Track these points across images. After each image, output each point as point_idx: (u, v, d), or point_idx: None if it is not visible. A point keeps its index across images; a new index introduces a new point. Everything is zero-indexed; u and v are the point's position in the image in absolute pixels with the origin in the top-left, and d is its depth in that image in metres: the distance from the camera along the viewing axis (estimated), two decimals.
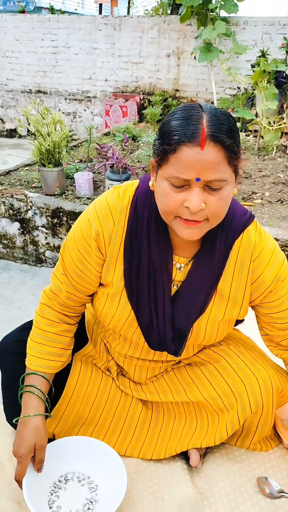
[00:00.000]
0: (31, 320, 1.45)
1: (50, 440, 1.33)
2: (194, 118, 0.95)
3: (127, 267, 1.17)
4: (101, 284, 1.25)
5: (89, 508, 1.16)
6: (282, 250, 2.74)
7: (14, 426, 1.37)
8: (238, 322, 1.87)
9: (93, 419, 1.35)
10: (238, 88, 6.40)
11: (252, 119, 5.02)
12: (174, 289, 1.19)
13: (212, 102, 6.26)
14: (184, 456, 1.33)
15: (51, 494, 1.19)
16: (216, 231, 1.14)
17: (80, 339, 1.41)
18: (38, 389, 1.23)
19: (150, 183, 1.10)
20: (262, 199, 3.47)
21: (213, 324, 1.20)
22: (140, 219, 1.15)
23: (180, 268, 1.19)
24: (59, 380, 1.33)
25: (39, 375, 1.25)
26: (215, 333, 1.22)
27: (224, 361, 1.34)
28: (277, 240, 2.76)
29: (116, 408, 1.36)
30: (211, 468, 1.28)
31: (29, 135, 3.51)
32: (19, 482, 1.13)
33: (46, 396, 1.25)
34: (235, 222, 1.16)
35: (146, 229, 1.15)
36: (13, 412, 1.32)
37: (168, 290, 1.17)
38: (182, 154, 0.95)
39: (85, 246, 1.19)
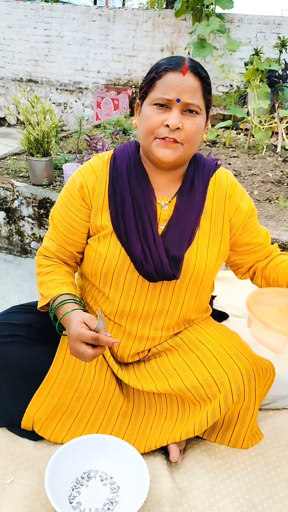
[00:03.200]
0: (18, 305, 1.49)
1: (33, 434, 1.32)
2: (178, 57, 1.21)
3: (113, 208, 1.30)
4: (89, 237, 1.37)
5: (108, 509, 1.14)
6: None
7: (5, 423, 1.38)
8: (223, 318, 1.88)
9: (74, 408, 1.33)
10: (231, 85, 6.40)
11: (244, 118, 5.02)
12: (160, 229, 1.31)
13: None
14: (164, 451, 1.31)
15: (73, 490, 1.18)
16: (193, 172, 1.34)
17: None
18: (65, 300, 1.27)
19: (134, 121, 1.31)
20: (250, 197, 3.47)
21: (201, 255, 1.32)
22: (119, 168, 1.33)
23: (164, 207, 1.32)
24: (43, 365, 1.32)
25: (64, 294, 1.29)
26: (204, 266, 1.32)
27: (206, 349, 1.33)
28: None
29: (98, 398, 1.35)
30: (191, 464, 1.27)
31: (18, 124, 3.45)
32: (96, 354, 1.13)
33: (80, 300, 1.32)
34: (206, 165, 1.38)
35: (126, 175, 1.32)
36: (3, 408, 1.33)
37: (155, 224, 1.29)
38: (167, 78, 1.18)
39: (70, 199, 1.35)
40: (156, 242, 1.28)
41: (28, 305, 1.49)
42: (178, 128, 1.18)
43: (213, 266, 1.34)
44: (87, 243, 1.38)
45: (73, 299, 1.28)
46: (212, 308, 1.83)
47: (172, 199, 1.32)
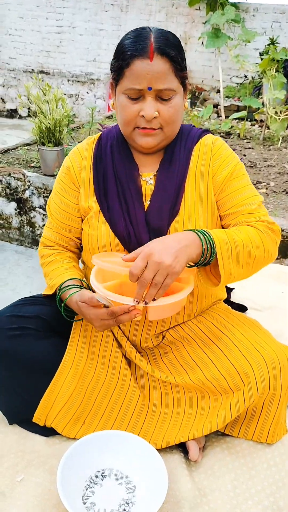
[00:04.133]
0: (26, 297, 1.44)
1: (44, 430, 1.26)
2: (143, 36, 1.13)
3: (96, 188, 1.30)
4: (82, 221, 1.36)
5: (124, 510, 1.08)
6: (287, 241, 2.66)
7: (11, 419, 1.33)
8: (241, 310, 1.81)
9: (88, 401, 1.28)
10: (245, 76, 6.28)
11: (258, 108, 4.91)
12: (147, 205, 1.27)
13: (218, 91, 6.14)
14: (183, 449, 1.25)
15: (86, 489, 1.12)
16: (175, 141, 1.30)
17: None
18: (68, 285, 1.28)
19: (111, 103, 1.27)
20: (267, 188, 3.38)
21: (189, 224, 1.26)
22: (104, 147, 1.33)
23: (149, 182, 1.29)
24: (54, 358, 1.28)
25: (68, 280, 1.29)
26: None
27: (228, 340, 1.27)
28: (282, 230, 2.68)
29: (113, 391, 1.29)
30: (211, 462, 1.20)
31: (30, 115, 3.39)
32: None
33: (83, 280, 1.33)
34: (192, 133, 1.34)
35: (110, 153, 1.31)
36: (8, 404, 1.28)
37: (137, 199, 1.27)
38: (135, 66, 1.13)
39: (61, 185, 1.36)
40: (138, 218, 1.26)
41: (37, 296, 1.43)
42: (154, 117, 1.16)
43: None
44: (81, 228, 1.38)
45: (75, 284, 1.26)
46: (230, 301, 1.76)
47: (156, 172, 1.30)
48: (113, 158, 1.30)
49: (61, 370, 1.28)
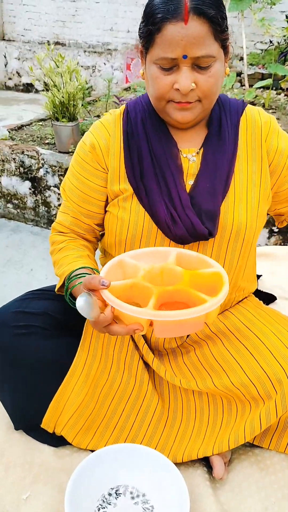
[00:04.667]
0: (33, 290, 1.31)
1: (53, 439, 1.15)
2: None
3: (129, 168, 1.14)
4: (107, 204, 1.22)
5: None
6: None
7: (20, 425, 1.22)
8: (270, 300, 1.66)
9: (101, 407, 1.16)
10: (271, 42, 5.95)
11: (285, 76, 4.63)
12: (189, 185, 1.14)
13: (242, 58, 5.84)
14: (206, 463, 1.12)
15: (99, 510, 1.01)
16: (219, 113, 1.16)
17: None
18: (85, 273, 1.09)
19: (140, 71, 1.11)
20: None
21: (240, 208, 1.13)
22: (134, 122, 1.16)
23: (192, 159, 1.15)
24: (63, 359, 1.17)
25: (84, 267, 1.11)
26: (244, 220, 1.13)
27: (257, 339, 1.14)
28: None
29: (129, 397, 1.17)
30: (238, 479, 1.08)
31: (45, 89, 3.22)
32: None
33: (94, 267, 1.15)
34: (233, 105, 1.19)
35: (142, 128, 1.15)
36: (14, 407, 1.17)
37: (180, 180, 1.12)
38: (167, 31, 0.95)
39: (82, 164, 1.19)
40: (182, 200, 1.10)
41: (46, 289, 1.30)
42: (191, 89, 1.00)
43: (255, 217, 1.15)
44: (105, 212, 1.22)
45: (87, 273, 1.08)
46: (257, 289, 1.61)
47: (200, 149, 1.15)
48: (147, 134, 1.14)
49: (72, 372, 1.16)
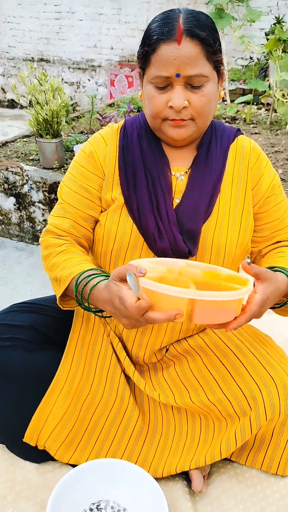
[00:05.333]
0: (20, 303, 1.32)
1: (36, 455, 1.16)
2: (170, 17, 1.02)
3: (123, 179, 1.18)
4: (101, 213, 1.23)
5: None
6: None
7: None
8: None
9: (83, 421, 1.18)
10: (251, 58, 6.08)
11: (265, 91, 4.73)
12: (176, 202, 1.18)
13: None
14: (186, 476, 1.14)
15: None
16: (210, 137, 1.21)
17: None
18: (90, 275, 1.07)
19: (139, 94, 1.16)
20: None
21: (220, 231, 1.17)
22: (130, 136, 1.21)
23: (180, 177, 1.19)
24: (47, 372, 1.19)
25: (93, 269, 1.09)
26: (223, 244, 1.16)
27: (235, 358, 1.16)
28: None
29: (110, 410, 1.19)
30: (218, 493, 1.10)
31: (29, 105, 3.26)
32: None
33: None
34: (226, 131, 1.24)
35: (138, 143, 1.20)
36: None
37: (168, 196, 1.16)
38: (161, 52, 1.01)
39: (80, 170, 1.22)
40: (169, 216, 1.14)
41: (31, 303, 1.32)
42: (184, 107, 1.05)
43: (236, 239, 1.18)
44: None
45: (100, 273, 1.07)
46: None
47: (188, 169, 1.20)
48: (142, 149, 1.19)
49: (54, 384, 1.18)
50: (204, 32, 1.01)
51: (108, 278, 1.02)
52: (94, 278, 1.05)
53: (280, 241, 1.27)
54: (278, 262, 1.15)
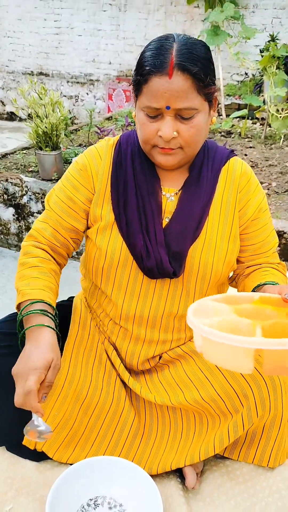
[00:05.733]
0: (15, 313, 1.33)
1: (35, 455, 1.20)
2: (164, 48, 1.03)
3: (115, 196, 1.20)
4: (88, 228, 1.27)
5: None
6: None
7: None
8: None
9: (81, 423, 1.22)
10: (246, 74, 6.20)
11: (260, 106, 4.83)
12: (165, 222, 1.20)
13: (219, 89, 6.06)
14: (179, 474, 1.19)
15: None
16: (202, 159, 1.22)
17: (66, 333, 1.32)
18: (46, 311, 1.09)
19: (133, 113, 1.16)
20: (268, 189, 3.31)
21: (207, 253, 1.19)
22: (124, 153, 1.23)
23: (170, 198, 1.22)
24: None
25: (45, 303, 1.10)
26: (210, 265, 1.19)
27: None
28: (284, 233, 2.61)
29: (107, 413, 1.23)
30: (210, 489, 1.14)
31: (29, 118, 3.33)
32: (32, 398, 0.95)
33: (57, 324, 1.13)
34: (219, 153, 1.26)
35: (131, 161, 1.22)
36: None
37: (158, 216, 1.19)
38: (152, 84, 1.03)
39: (71, 180, 1.25)
40: (157, 237, 1.17)
41: None
42: (173, 137, 1.07)
43: (222, 262, 1.21)
44: (87, 236, 1.28)
45: (51, 313, 1.11)
46: None
47: (179, 190, 1.22)
48: (134, 168, 1.21)
49: (52, 391, 1.22)
50: (197, 66, 1.02)
51: (51, 316, 1.09)
52: (41, 315, 1.08)
53: (261, 264, 1.29)
54: (265, 278, 1.19)
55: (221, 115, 5.40)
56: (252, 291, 1.17)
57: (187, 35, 1.07)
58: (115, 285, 1.22)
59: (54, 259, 1.26)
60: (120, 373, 1.27)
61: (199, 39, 1.09)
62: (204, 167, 1.22)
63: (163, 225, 1.20)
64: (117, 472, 1.12)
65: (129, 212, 1.19)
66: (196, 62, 1.02)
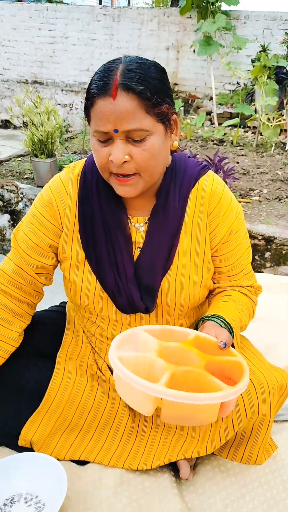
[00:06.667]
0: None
1: (26, 450, 1.24)
2: (109, 70, 0.97)
3: (83, 234, 1.16)
4: (59, 261, 1.23)
5: None
6: (280, 249, 2.66)
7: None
8: None
9: (77, 424, 1.25)
10: (238, 83, 6.31)
11: (251, 115, 4.92)
12: (137, 252, 1.16)
13: (211, 98, 6.16)
14: (173, 467, 1.23)
15: None
16: (168, 184, 1.15)
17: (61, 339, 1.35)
18: None
19: (91, 143, 1.08)
20: (260, 196, 3.39)
21: (182, 282, 1.16)
22: (89, 185, 1.16)
23: (140, 228, 1.17)
24: (39, 385, 1.24)
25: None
26: (186, 294, 1.17)
27: None
28: (274, 238, 2.68)
29: (102, 414, 1.27)
30: (202, 481, 1.19)
31: (24, 126, 3.39)
32: None
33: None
34: (187, 174, 1.17)
35: (96, 193, 1.15)
36: None
37: (126, 250, 1.15)
38: (98, 107, 0.97)
39: (37, 216, 1.19)
40: (127, 271, 1.14)
41: None
42: (125, 161, 1.00)
43: (199, 288, 1.19)
44: (53, 265, 1.24)
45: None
46: None
47: (147, 220, 1.16)
48: (100, 199, 1.15)
49: (47, 397, 1.24)
50: (142, 85, 0.95)
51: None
52: None
53: (230, 286, 1.25)
54: (215, 310, 1.16)
55: (214, 123, 5.49)
56: (196, 324, 1.16)
57: (140, 57, 1.02)
58: (98, 315, 1.25)
59: (17, 299, 1.23)
60: (111, 384, 1.29)
61: (153, 60, 1.03)
62: (171, 193, 1.15)
63: (135, 256, 1.16)
64: (31, 466, 1.16)
65: (97, 249, 1.15)
66: (142, 82, 0.96)
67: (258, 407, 1.16)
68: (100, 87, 0.96)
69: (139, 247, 1.17)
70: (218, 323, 1.08)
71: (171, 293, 1.17)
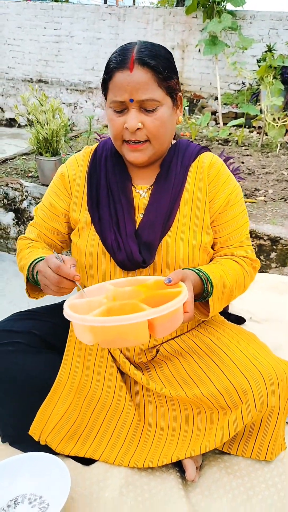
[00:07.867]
0: (20, 312, 1.42)
1: (38, 448, 1.23)
2: (126, 49, 1.15)
3: (89, 197, 1.30)
4: (70, 229, 1.38)
5: None
6: (286, 249, 2.64)
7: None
8: (239, 322, 1.79)
9: (84, 417, 1.25)
10: (243, 83, 6.29)
11: (256, 115, 4.90)
12: (140, 218, 1.27)
13: (216, 98, 6.14)
14: (179, 468, 1.22)
15: None
16: (172, 156, 1.30)
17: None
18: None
19: (106, 120, 1.24)
20: (265, 196, 3.37)
21: (181, 243, 1.25)
22: (99, 158, 1.33)
23: (143, 194, 1.29)
24: (47, 374, 1.26)
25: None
26: (186, 254, 1.25)
27: (224, 355, 1.24)
28: (280, 238, 2.66)
29: (109, 408, 1.27)
30: (208, 483, 1.17)
31: (28, 124, 3.39)
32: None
33: None
34: (189, 149, 1.33)
35: (104, 164, 1.31)
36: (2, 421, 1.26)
37: (128, 211, 1.26)
38: (116, 78, 1.13)
39: (53, 188, 1.37)
40: (127, 229, 1.25)
41: (31, 311, 1.41)
42: (138, 128, 1.15)
43: (197, 249, 1.26)
44: (70, 240, 1.38)
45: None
46: (228, 312, 1.74)
47: (151, 186, 1.29)
48: (107, 170, 1.30)
49: (57, 385, 1.26)
50: (155, 60, 1.12)
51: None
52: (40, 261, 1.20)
53: (226, 254, 1.33)
54: (199, 267, 1.24)
55: (219, 123, 5.47)
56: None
57: (151, 42, 1.18)
58: (99, 281, 1.27)
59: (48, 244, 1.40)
60: (121, 363, 1.31)
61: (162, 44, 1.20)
62: (174, 163, 1.29)
63: (138, 221, 1.27)
64: (35, 466, 1.15)
65: (101, 211, 1.27)
66: (155, 58, 1.13)
67: (268, 399, 1.15)
68: (119, 61, 1.12)
69: (142, 213, 1.27)
70: (189, 270, 1.16)
71: (171, 252, 1.24)
